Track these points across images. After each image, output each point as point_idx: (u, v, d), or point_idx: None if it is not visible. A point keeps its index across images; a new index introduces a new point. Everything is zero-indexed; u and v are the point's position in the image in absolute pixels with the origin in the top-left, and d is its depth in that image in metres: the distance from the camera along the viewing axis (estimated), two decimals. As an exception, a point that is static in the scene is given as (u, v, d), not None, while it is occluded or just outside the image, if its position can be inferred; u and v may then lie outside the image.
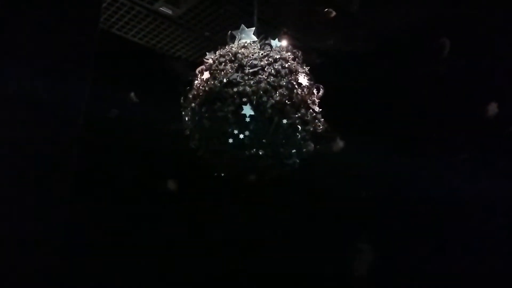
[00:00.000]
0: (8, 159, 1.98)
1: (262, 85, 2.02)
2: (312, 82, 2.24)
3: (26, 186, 2.02)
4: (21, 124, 2.04)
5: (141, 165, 3.86)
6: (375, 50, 3.99)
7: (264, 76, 2.06)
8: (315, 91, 2.27)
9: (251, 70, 2.07)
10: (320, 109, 2.26)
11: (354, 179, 3.86)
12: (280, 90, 2.04)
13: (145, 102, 3.84)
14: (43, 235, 2.04)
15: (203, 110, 2.09)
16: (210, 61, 2.21)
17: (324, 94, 2.25)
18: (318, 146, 2.27)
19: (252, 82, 2.04)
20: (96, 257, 3.39)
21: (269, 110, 2.00)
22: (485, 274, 3.11)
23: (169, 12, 3.68)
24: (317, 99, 2.25)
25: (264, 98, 2.00)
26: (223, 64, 2.13)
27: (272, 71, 2.08)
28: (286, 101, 2.04)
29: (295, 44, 2.47)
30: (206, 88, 2.10)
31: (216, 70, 2.13)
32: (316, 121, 2.19)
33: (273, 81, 2.05)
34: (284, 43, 2.31)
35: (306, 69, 2.26)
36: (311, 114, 2.16)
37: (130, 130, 3.67)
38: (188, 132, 2.22)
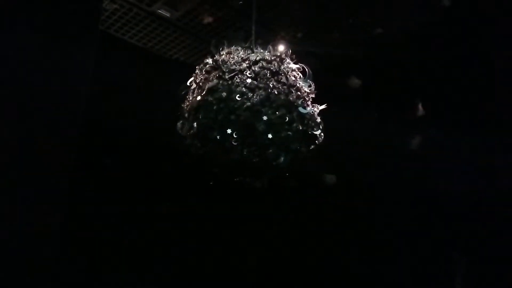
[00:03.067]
0: (8, 157, 1.98)
1: (238, 88, 2.03)
2: (296, 81, 2.19)
3: (26, 185, 2.01)
4: (21, 122, 2.03)
5: (140, 165, 3.85)
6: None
7: (242, 79, 2.07)
8: (307, 89, 2.25)
9: (228, 76, 2.09)
10: (323, 107, 2.23)
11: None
12: (259, 91, 2.03)
13: (144, 103, 3.83)
14: (43, 234, 2.03)
15: (190, 118, 2.13)
16: (198, 71, 2.26)
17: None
18: (312, 147, 2.23)
19: (229, 87, 2.05)
20: (95, 255, 3.38)
21: (245, 113, 2.00)
22: None
23: (167, 14, 3.68)
24: (306, 97, 2.18)
25: (240, 102, 2.00)
26: (207, 72, 2.18)
27: (251, 73, 2.08)
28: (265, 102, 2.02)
29: (291, 47, 2.44)
30: (191, 98, 2.16)
31: (201, 79, 2.18)
32: (308, 120, 2.15)
33: (250, 84, 2.05)
34: (271, 44, 2.29)
35: (293, 67, 2.23)
36: (298, 113, 2.10)
37: (129, 131, 3.67)
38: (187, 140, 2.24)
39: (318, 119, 2.25)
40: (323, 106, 2.24)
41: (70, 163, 2.13)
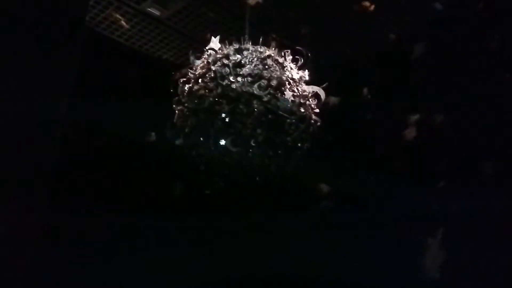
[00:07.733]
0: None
1: (198, 93, 2.05)
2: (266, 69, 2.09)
3: (6, 191, 1.96)
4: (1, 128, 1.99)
5: (126, 167, 3.78)
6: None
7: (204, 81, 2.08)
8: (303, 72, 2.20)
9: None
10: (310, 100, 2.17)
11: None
12: (215, 91, 2.02)
13: (129, 104, 3.76)
14: (21, 239, 1.99)
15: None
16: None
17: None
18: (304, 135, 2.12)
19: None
20: (74, 259, 3.30)
21: (201, 115, 2.02)
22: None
23: (157, 13, 3.61)
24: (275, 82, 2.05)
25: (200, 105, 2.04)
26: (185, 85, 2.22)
27: (211, 74, 2.08)
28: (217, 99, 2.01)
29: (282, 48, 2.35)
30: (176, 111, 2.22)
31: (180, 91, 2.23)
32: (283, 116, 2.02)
33: (206, 85, 2.06)
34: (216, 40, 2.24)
35: (269, 53, 2.16)
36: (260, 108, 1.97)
37: (114, 133, 3.60)
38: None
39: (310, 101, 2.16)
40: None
41: (51, 166, 2.09)
